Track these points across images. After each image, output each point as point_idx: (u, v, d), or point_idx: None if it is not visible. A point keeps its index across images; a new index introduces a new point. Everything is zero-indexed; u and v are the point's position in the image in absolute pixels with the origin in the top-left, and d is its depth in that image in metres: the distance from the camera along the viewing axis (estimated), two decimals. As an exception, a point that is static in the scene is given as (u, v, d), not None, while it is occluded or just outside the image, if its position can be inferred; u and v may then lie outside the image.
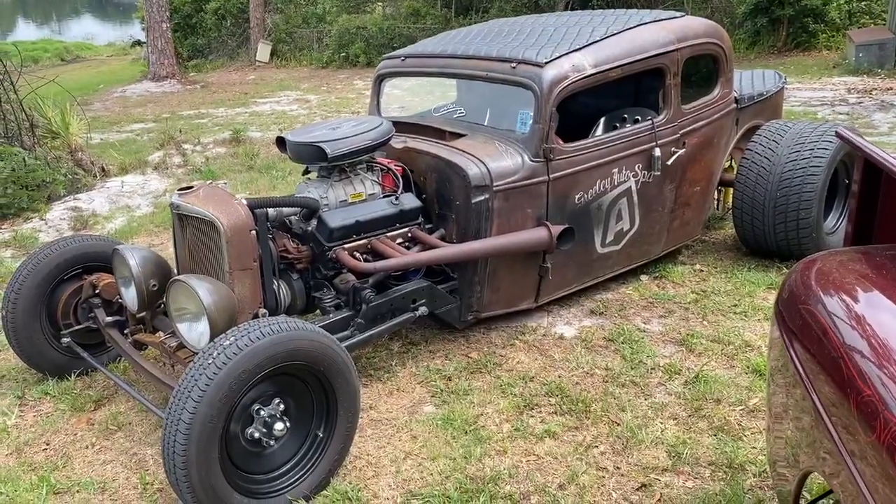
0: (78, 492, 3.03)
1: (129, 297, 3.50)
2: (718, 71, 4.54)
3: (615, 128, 4.69)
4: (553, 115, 3.76)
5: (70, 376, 3.83)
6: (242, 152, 8.30)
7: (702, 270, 4.74)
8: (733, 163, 5.12)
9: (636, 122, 4.57)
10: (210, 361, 2.58)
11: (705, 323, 4.08)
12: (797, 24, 15.38)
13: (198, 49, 22.39)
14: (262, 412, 2.76)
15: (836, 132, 2.42)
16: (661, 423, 3.25)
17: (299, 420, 2.90)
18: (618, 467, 2.98)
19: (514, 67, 3.85)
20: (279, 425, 2.77)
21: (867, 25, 15.81)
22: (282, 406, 2.82)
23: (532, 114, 3.80)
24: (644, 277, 4.65)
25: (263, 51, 21.18)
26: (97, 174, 7.59)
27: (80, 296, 3.76)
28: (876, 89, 11.66)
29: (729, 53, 4.55)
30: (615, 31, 4.08)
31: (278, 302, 3.52)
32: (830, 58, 14.42)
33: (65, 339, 3.71)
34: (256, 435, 2.76)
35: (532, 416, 3.34)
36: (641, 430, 3.18)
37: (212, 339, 2.97)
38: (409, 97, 8.31)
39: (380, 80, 4.68)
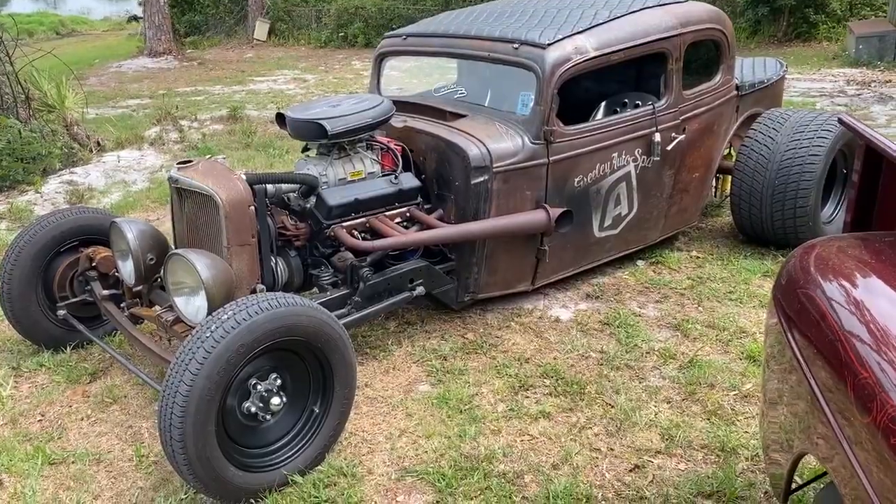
0: (73, 463, 3.03)
1: (126, 270, 3.50)
2: (720, 57, 4.53)
3: (616, 112, 4.69)
4: (554, 98, 3.75)
5: (66, 349, 3.83)
6: (240, 130, 8.27)
7: (698, 257, 4.76)
8: (732, 150, 5.12)
9: (637, 106, 4.56)
10: (208, 335, 2.58)
11: (700, 309, 4.09)
12: (798, 14, 15.36)
13: (195, 25, 22.24)
14: (259, 387, 2.77)
15: (838, 119, 2.42)
16: (655, 406, 3.27)
17: (296, 395, 2.90)
18: (611, 449, 3.00)
19: (516, 48, 3.84)
20: (276, 400, 2.78)
21: (868, 17, 15.80)
22: (279, 381, 2.82)
23: (533, 95, 3.79)
24: (640, 263, 4.66)
25: (261, 29, 21.06)
26: (93, 149, 7.55)
27: (77, 268, 3.76)
28: (875, 81, 11.67)
29: (731, 40, 4.54)
30: (618, 14, 4.06)
31: (276, 278, 3.51)
32: (830, 49, 14.41)
33: (61, 312, 3.70)
34: (253, 409, 2.76)
35: (527, 397, 3.36)
36: (635, 413, 3.20)
37: (209, 313, 2.97)
38: (408, 78, 8.28)
39: (380, 59, 4.65)
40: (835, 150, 4.46)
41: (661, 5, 4.26)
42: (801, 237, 4.52)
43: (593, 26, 3.93)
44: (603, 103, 4.79)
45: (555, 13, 4.17)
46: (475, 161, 3.64)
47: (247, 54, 19.29)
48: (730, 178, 5.22)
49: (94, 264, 3.71)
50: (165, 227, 5.59)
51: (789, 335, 2.02)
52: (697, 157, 4.50)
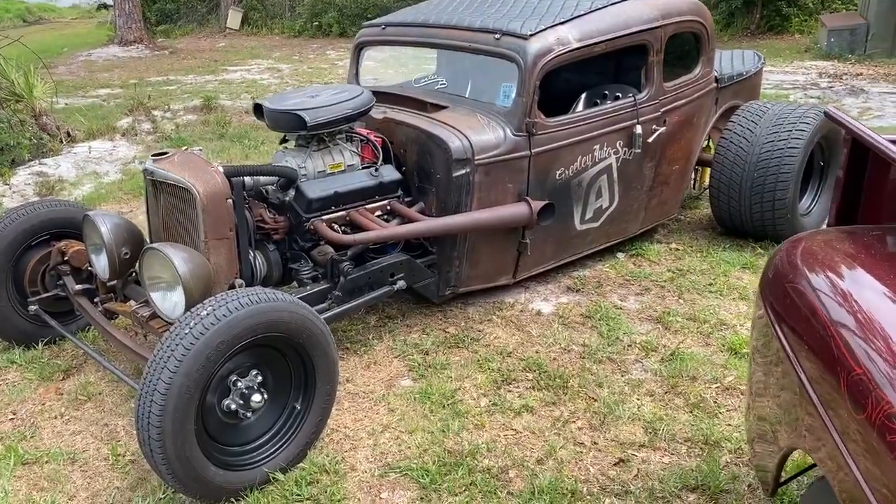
0: (47, 462, 2.96)
1: (100, 265, 3.41)
2: (700, 49, 4.53)
3: (596, 104, 4.67)
4: (536, 89, 3.72)
5: (37, 345, 3.74)
6: (214, 120, 8.12)
7: (678, 249, 4.76)
8: (710, 142, 5.13)
9: (617, 98, 4.54)
10: (187, 331, 2.52)
11: (681, 301, 4.10)
12: (771, 7, 15.48)
13: (166, 14, 21.85)
14: (240, 383, 2.71)
15: (825, 112, 2.42)
16: (638, 399, 3.26)
17: (277, 392, 2.85)
18: (595, 443, 2.99)
19: (497, 39, 3.79)
20: (256, 397, 2.72)
21: (839, 10, 15.96)
22: (259, 378, 2.77)
23: (515, 87, 3.75)
24: (620, 255, 4.66)
25: (234, 18, 20.77)
26: (63, 139, 7.37)
27: (48, 263, 3.66)
28: (846, 74, 11.79)
29: (711, 32, 4.53)
30: (600, 6, 4.03)
31: (254, 273, 3.45)
32: (803, 42, 14.53)
33: (32, 307, 3.61)
34: (233, 406, 2.70)
35: (510, 391, 3.34)
36: (618, 407, 3.19)
37: (187, 308, 2.90)
38: (383, 69, 8.20)
39: (359, 49, 4.58)
40: (813, 143, 4.48)
41: (640, -3, 4.25)
42: (780, 229, 4.54)
43: (575, 17, 3.90)
44: (583, 95, 4.76)
45: (535, 3, 4.13)
46: (457, 153, 3.60)
47: (219, 43, 19.00)
48: (708, 170, 5.24)
49: (66, 258, 3.62)
50: (139, 220, 5.49)
51: (777, 329, 2.01)
52: (677, 149, 4.50)
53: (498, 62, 3.86)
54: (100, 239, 3.34)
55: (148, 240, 3.48)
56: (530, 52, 3.68)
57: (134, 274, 3.56)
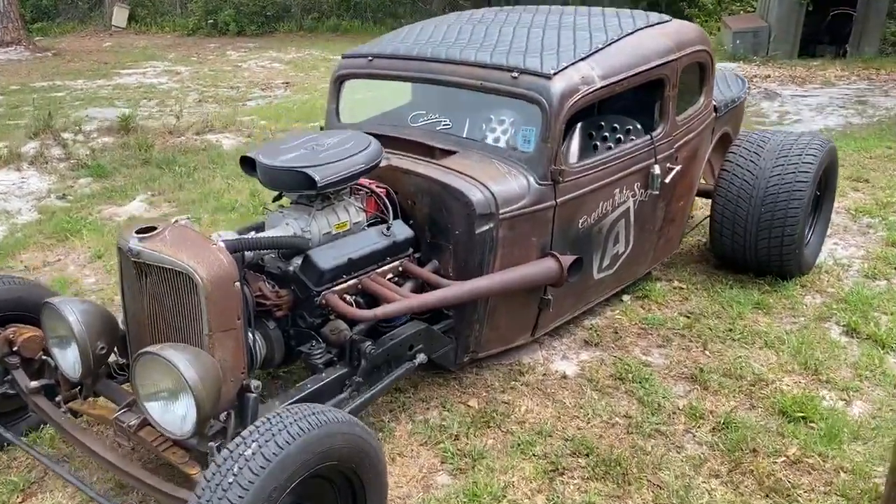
0: None
1: (68, 360, 2.81)
2: (704, 79, 4.26)
3: (590, 136, 4.35)
4: (562, 133, 3.35)
5: (-20, 456, 3.07)
6: (134, 143, 7.26)
7: (681, 287, 4.50)
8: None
9: (614, 130, 4.24)
10: (231, 480, 2.01)
11: (708, 353, 3.83)
12: (674, 7, 15.78)
13: (43, 10, 20.13)
14: (284, 527, 2.21)
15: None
16: (705, 482, 2.95)
17: (320, 528, 2.37)
18: (680, 545, 2.66)
19: (515, 78, 3.38)
20: (305, 541, 2.23)
21: (736, 12, 16.44)
22: (303, 515, 2.28)
23: (537, 131, 3.36)
24: (626, 298, 4.36)
25: (120, 15, 19.38)
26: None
27: (-9, 355, 3.00)
28: (756, 76, 12.06)
29: (713, 60, 4.28)
30: (615, 38, 3.68)
31: (254, 358, 2.93)
32: (708, 43, 14.82)
33: (-24, 413, 2.95)
34: (277, 556, 2.20)
35: (565, 484, 2.95)
36: (689, 494, 2.87)
37: (199, 421, 2.39)
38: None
39: (340, 82, 4.05)
40: (819, 175, 4.31)
41: (651, 26, 3.93)
42: (787, 265, 4.37)
43: (595, 52, 3.53)
44: (577, 127, 4.39)
45: (542, 35, 3.73)
46: (480, 208, 3.18)
47: (106, 43, 17.64)
48: (695, 200, 5.02)
49: (15, 349, 2.97)
50: (70, 271, 4.77)
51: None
52: (684, 185, 4.23)
53: (512, 103, 3.46)
54: (67, 331, 2.74)
55: (123, 327, 2.89)
56: (555, 93, 3.29)
57: (104, 367, 2.97)
